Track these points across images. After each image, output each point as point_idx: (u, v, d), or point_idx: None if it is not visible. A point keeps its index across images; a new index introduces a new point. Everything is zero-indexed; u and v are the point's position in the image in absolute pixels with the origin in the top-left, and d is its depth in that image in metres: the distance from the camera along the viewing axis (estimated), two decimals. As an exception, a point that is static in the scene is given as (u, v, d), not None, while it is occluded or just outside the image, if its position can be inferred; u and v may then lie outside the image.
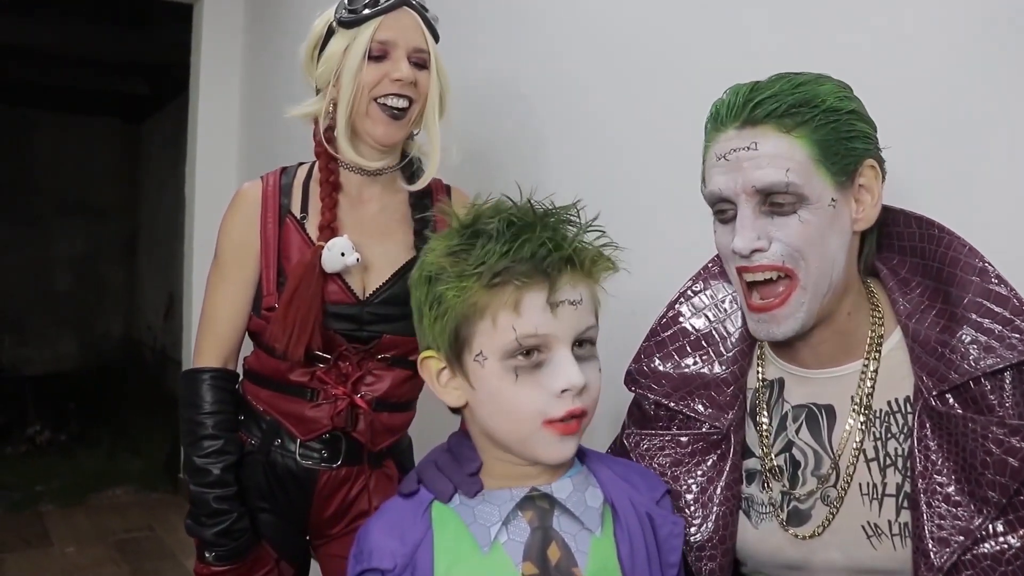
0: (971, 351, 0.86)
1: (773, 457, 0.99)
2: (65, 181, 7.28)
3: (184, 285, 4.19)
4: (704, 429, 1.01)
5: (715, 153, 0.92)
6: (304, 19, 3.57)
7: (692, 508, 0.99)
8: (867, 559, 0.91)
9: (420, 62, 1.35)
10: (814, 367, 0.98)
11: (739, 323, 1.05)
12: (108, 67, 5.99)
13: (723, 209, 0.93)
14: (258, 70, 3.87)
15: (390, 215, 1.43)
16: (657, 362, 1.07)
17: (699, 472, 1.00)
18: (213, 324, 1.40)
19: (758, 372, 1.03)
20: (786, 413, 0.99)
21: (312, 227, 1.38)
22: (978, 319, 0.87)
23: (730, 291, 1.06)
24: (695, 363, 1.05)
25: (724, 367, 1.03)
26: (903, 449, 0.91)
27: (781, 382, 1.00)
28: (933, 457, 0.86)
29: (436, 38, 1.40)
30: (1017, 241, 1.04)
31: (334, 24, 1.35)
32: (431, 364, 0.88)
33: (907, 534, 0.89)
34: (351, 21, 1.33)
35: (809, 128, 0.88)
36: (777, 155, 0.88)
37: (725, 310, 1.07)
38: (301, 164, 1.46)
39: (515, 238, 0.81)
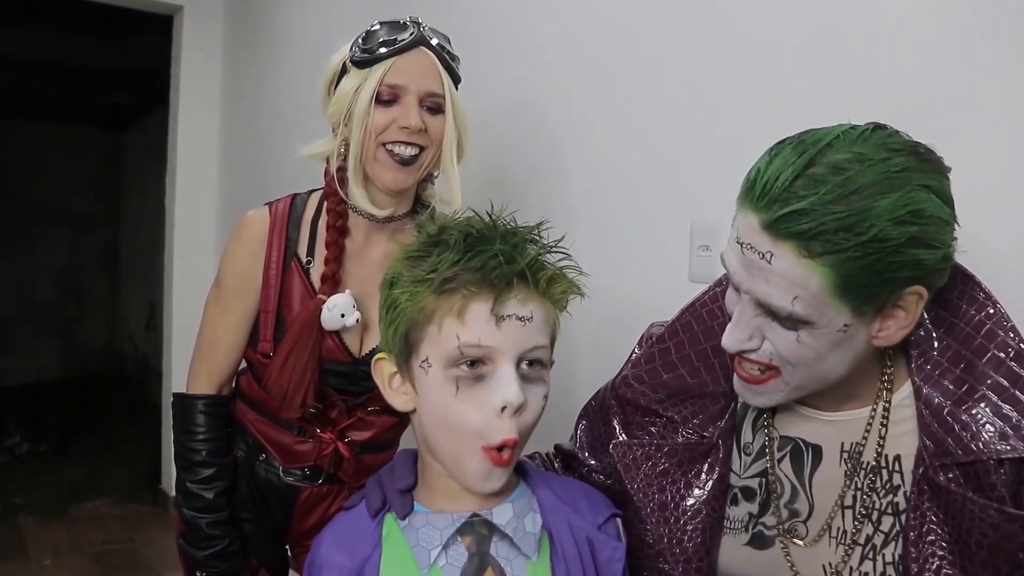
0: (983, 433, 0.82)
1: (745, 477, 0.98)
2: (46, 191, 7.23)
3: (164, 296, 4.17)
4: (693, 439, 0.99)
5: (738, 230, 0.83)
6: (283, 31, 3.60)
7: (678, 518, 0.97)
8: None
9: (434, 106, 1.29)
10: (813, 407, 0.95)
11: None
12: (89, 76, 5.97)
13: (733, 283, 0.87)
14: (238, 81, 3.88)
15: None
16: (657, 369, 1.04)
17: (685, 482, 0.98)
18: (210, 352, 1.38)
19: None
20: (772, 440, 0.97)
21: (316, 274, 1.33)
22: (999, 402, 0.82)
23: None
24: (694, 373, 1.02)
25: (721, 381, 1.00)
26: (882, 504, 0.90)
27: (773, 409, 0.97)
28: (929, 526, 0.84)
29: (456, 79, 1.33)
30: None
31: (348, 62, 1.30)
32: (383, 366, 0.90)
33: None
34: (363, 61, 1.27)
35: (838, 259, 0.75)
36: (787, 279, 0.78)
37: (723, 323, 1.01)
38: (312, 192, 1.41)
39: (470, 248, 0.83)
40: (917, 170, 0.77)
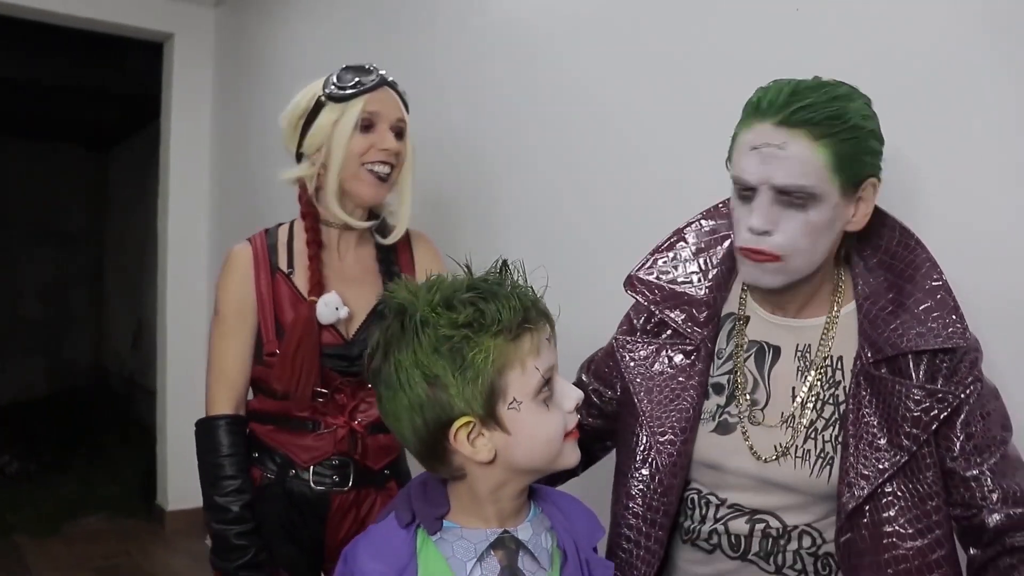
0: (907, 333, 1.05)
1: (716, 375, 1.18)
2: (32, 208, 7.26)
3: (158, 315, 4.25)
4: (682, 340, 1.20)
5: (748, 142, 1.06)
6: (272, 56, 3.69)
7: (664, 405, 1.17)
8: (771, 473, 1.11)
9: (399, 132, 1.55)
10: (779, 314, 1.17)
11: (722, 256, 1.23)
12: (75, 96, 6.02)
13: (745, 192, 1.08)
14: (228, 104, 3.98)
15: (363, 264, 1.62)
16: (654, 273, 1.25)
17: (672, 375, 1.19)
18: (223, 375, 1.54)
19: (741, 301, 1.21)
20: (742, 344, 1.18)
21: (300, 280, 1.56)
22: (920, 313, 1.06)
23: (726, 229, 1.24)
24: (685, 281, 1.24)
25: (706, 291, 1.22)
26: (824, 395, 1.11)
27: (747, 319, 1.19)
28: (864, 410, 1.06)
29: (407, 111, 1.60)
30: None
31: (323, 98, 1.53)
32: (462, 433, 0.93)
33: (808, 458, 1.09)
34: (340, 96, 1.51)
35: (834, 140, 1.01)
36: (800, 159, 1.01)
37: (718, 241, 1.24)
38: (280, 225, 1.64)
39: (508, 296, 0.93)
40: (859, 94, 1.07)
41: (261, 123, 3.60)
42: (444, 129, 2.32)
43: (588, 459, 1.37)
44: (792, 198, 1.03)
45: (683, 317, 1.21)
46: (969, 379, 1.04)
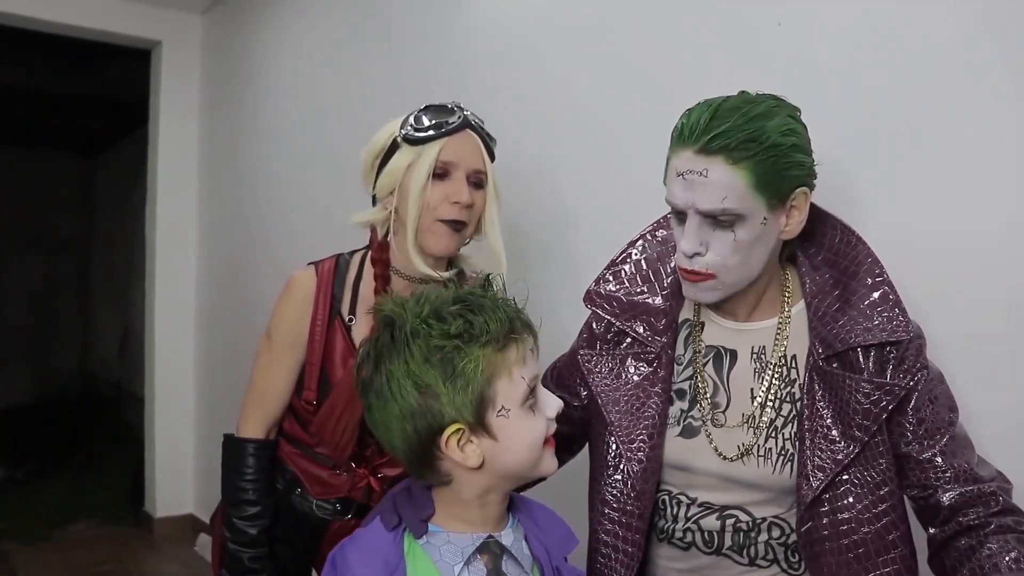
0: (855, 329, 1.10)
1: (678, 382, 1.22)
2: (19, 215, 7.24)
3: (146, 322, 4.26)
4: (643, 349, 1.24)
5: (675, 168, 1.10)
6: (259, 61, 3.71)
7: (631, 413, 1.21)
8: (736, 472, 1.16)
9: (478, 182, 1.44)
10: (732, 319, 1.21)
11: (675, 265, 1.24)
12: (63, 102, 6.01)
13: (678, 214, 1.13)
14: (216, 109, 3.99)
15: None
16: (612, 287, 1.29)
17: (636, 383, 1.23)
18: (262, 400, 1.51)
19: (695, 309, 1.25)
20: (699, 349, 1.22)
21: (358, 333, 1.46)
22: (865, 308, 1.12)
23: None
24: (641, 292, 1.27)
25: (662, 300, 1.26)
26: (782, 394, 1.16)
27: (702, 325, 1.24)
28: (818, 405, 1.11)
29: (492, 158, 1.48)
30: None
31: (399, 139, 1.42)
32: (452, 440, 0.95)
33: (769, 457, 1.14)
34: (416, 139, 1.40)
35: (752, 162, 1.05)
36: (721, 184, 1.05)
37: (670, 251, 1.27)
38: (355, 253, 1.53)
39: (493, 308, 0.96)
40: (781, 106, 1.10)
41: (249, 129, 3.62)
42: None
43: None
44: (718, 220, 1.07)
45: (643, 328, 1.25)
46: (916, 366, 1.10)
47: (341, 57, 2.94)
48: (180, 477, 4.09)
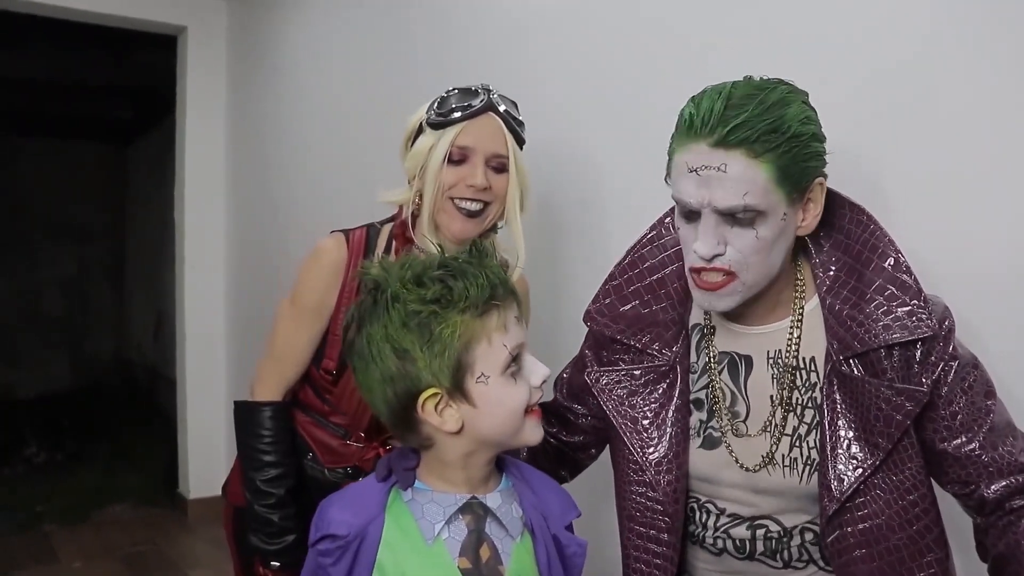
0: (873, 327, 1.03)
1: (694, 391, 1.16)
2: (51, 205, 7.34)
3: (176, 307, 4.31)
4: (654, 363, 1.17)
5: (686, 162, 1.01)
6: (285, 47, 3.71)
7: (649, 431, 1.15)
8: (761, 482, 1.11)
9: (499, 166, 1.43)
10: (743, 323, 1.13)
11: (677, 270, 1.20)
12: (92, 93, 6.09)
13: (688, 213, 1.04)
14: (242, 96, 4.00)
15: None
16: (614, 303, 1.22)
17: (652, 399, 1.16)
18: (281, 363, 1.50)
19: (705, 317, 1.18)
20: (712, 357, 1.15)
21: None
22: (883, 301, 1.03)
23: (676, 243, 1.20)
24: (646, 304, 1.20)
25: (670, 309, 1.19)
26: (804, 399, 1.09)
27: (713, 329, 1.16)
28: (838, 409, 1.04)
29: (520, 142, 1.47)
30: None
31: (424, 123, 1.44)
32: (430, 404, 0.97)
33: (795, 466, 1.08)
34: (437, 123, 1.42)
35: (775, 155, 0.97)
36: (742, 179, 0.97)
37: (672, 259, 1.20)
38: (384, 224, 1.54)
39: (476, 273, 0.96)
40: (794, 92, 1.03)
41: (275, 113, 3.63)
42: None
43: (575, 468, 1.39)
44: (736, 217, 1.00)
45: (650, 339, 1.18)
46: (945, 358, 1.03)
47: (370, 40, 2.92)
48: (213, 459, 4.13)
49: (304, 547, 1.46)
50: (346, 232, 1.51)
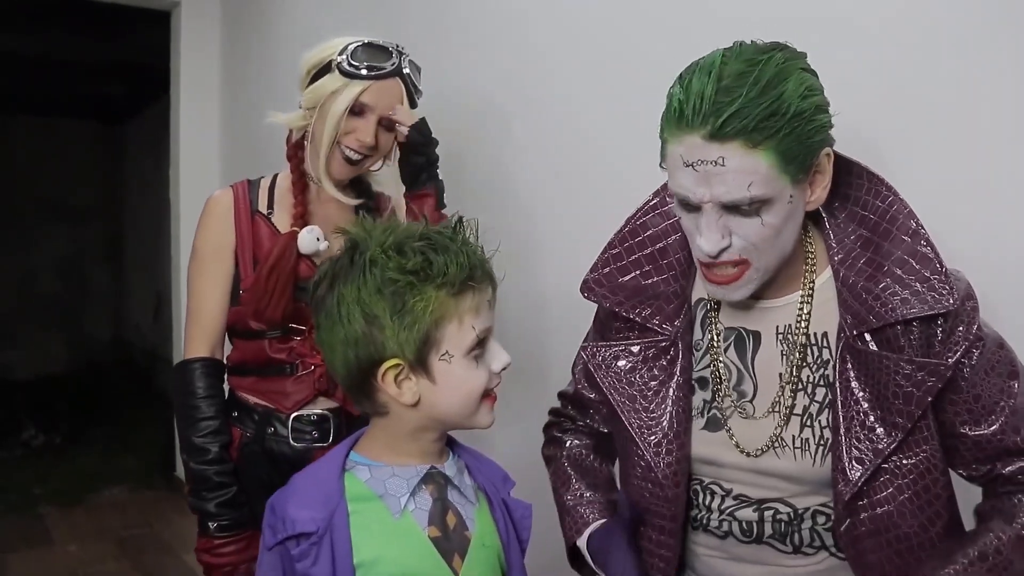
0: (890, 300, 0.96)
1: (698, 369, 1.10)
2: (46, 185, 7.30)
3: (173, 285, 4.26)
4: (655, 338, 1.11)
5: (681, 156, 0.94)
6: (279, 22, 3.65)
7: (649, 410, 1.09)
8: (768, 465, 1.04)
9: (389, 125, 1.55)
10: (750, 297, 1.04)
11: (680, 240, 1.12)
12: (86, 71, 6.01)
13: (688, 205, 0.97)
14: (237, 73, 3.94)
15: (344, 216, 1.57)
16: (613, 273, 1.15)
17: (652, 376, 1.10)
18: (199, 317, 1.54)
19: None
20: (718, 332, 1.09)
21: (279, 221, 1.56)
22: (901, 274, 0.97)
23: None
24: (647, 275, 1.13)
25: (672, 281, 1.12)
26: (815, 377, 1.03)
27: (718, 303, 1.10)
28: (853, 387, 0.98)
29: (413, 106, 1.59)
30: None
31: (334, 63, 1.50)
32: (390, 374, 0.96)
33: (807, 448, 1.02)
34: (347, 72, 1.49)
35: (776, 140, 0.90)
36: (742, 171, 0.90)
37: (675, 227, 1.12)
38: (261, 177, 1.63)
39: (457, 251, 0.95)
40: (792, 59, 0.94)
41: (270, 90, 3.56)
42: (460, 77, 2.26)
43: (609, 456, 1.30)
44: (742, 209, 0.93)
45: (650, 312, 1.11)
46: (970, 337, 0.96)
47: (364, 15, 2.86)
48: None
49: (245, 508, 1.47)
50: (232, 185, 1.60)
